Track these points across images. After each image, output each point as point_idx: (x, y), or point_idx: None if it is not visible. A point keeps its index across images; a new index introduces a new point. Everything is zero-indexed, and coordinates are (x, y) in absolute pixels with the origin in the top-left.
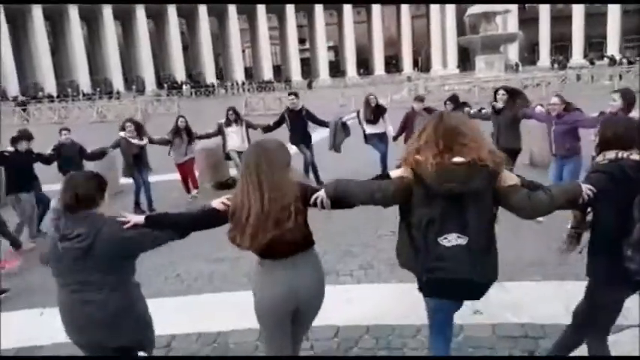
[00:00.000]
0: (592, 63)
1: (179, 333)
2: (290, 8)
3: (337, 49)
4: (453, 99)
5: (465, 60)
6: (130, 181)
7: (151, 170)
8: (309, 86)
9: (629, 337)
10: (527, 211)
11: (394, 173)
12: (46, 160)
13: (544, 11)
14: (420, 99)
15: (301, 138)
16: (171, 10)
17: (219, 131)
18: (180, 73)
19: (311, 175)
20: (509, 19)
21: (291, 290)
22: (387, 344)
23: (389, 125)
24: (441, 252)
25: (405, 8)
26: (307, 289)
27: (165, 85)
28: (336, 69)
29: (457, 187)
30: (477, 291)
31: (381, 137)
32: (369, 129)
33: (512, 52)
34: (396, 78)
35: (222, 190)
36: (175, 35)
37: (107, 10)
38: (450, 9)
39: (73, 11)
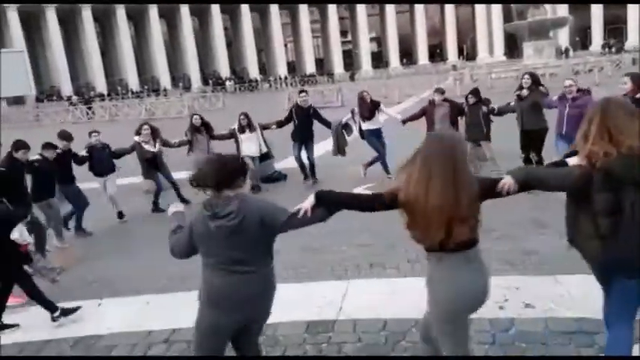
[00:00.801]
0: None
1: None
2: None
3: (380, 40)
4: (475, 92)
5: (513, 47)
6: (176, 176)
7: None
8: (352, 78)
9: None
10: None
11: (572, 161)
12: (80, 161)
13: None
14: (440, 91)
15: (304, 136)
16: (215, 7)
17: (232, 136)
18: (224, 70)
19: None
20: (558, 3)
21: (479, 289)
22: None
23: (391, 113)
24: None
25: None
26: (486, 287)
27: (210, 82)
28: (379, 60)
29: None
30: None
31: (378, 133)
32: (365, 125)
33: (563, 36)
34: (440, 67)
35: (267, 183)
36: (219, 32)
37: (153, 10)
38: None
39: (121, 11)
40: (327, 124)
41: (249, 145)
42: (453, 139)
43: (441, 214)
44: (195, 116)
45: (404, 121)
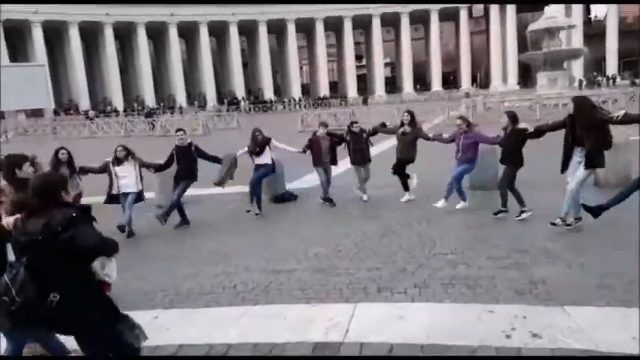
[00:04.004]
0: None
1: (235, 343)
2: (348, 26)
3: (394, 66)
4: (356, 122)
5: (526, 76)
6: (192, 192)
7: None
8: (365, 102)
9: None
10: None
11: None
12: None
13: (611, 25)
14: (324, 125)
15: (188, 174)
16: (233, 29)
17: (105, 169)
18: (240, 90)
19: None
20: (573, 35)
21: None
22: None
23: (283, 147)
24: None
25: (463, 25)
26: None
27: (226, 101)
28: (393, 85)
29: None
30: None
31: (267, 167)
32: (256, 160)
33: (577, 68)
34: (453, 94)
35: (277, 203)
36: (236, 53)
37: (172, 30)
38: (511, 24)
39: (141, 30)
40: (214, 159)
41: (127, 181)
42: None
43: None
44: (62, 150)
45: (303, 151)
